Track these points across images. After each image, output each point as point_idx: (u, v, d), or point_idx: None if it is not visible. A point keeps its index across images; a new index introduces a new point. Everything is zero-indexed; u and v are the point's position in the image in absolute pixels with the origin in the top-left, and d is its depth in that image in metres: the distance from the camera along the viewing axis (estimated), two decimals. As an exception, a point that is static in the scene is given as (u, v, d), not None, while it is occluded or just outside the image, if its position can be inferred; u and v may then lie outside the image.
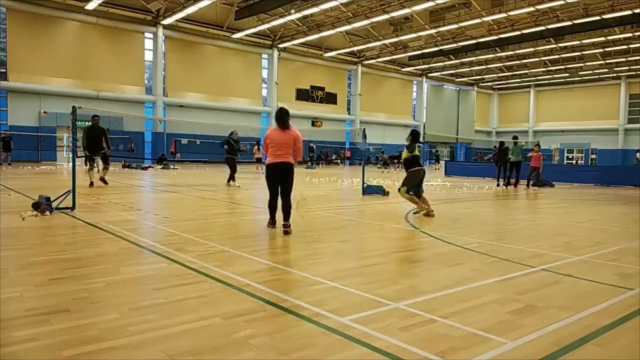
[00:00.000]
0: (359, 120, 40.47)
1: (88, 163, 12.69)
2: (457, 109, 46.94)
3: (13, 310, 3.08)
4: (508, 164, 17.10)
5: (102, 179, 12.38)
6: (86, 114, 10.59)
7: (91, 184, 12.01)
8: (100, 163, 12.75)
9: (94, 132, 12.02)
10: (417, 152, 8.58)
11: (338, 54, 38.27)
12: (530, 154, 17.46)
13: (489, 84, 51.20)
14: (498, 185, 17.24)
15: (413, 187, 8.52)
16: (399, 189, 8.71)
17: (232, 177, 13.89)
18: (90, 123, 12.15)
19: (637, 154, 28.98)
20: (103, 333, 2.74)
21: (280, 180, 6.34)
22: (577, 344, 2.76)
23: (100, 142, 12.11)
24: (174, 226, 6.64)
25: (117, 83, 29.74)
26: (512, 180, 17.21)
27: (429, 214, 8.26)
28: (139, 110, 30.84)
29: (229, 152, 14.01)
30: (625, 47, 34.25)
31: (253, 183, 16.00)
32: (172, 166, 24.68)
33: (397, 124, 45.12)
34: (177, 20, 29.66)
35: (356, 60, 40.65)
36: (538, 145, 18.22)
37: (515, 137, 17.70)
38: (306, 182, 16.59)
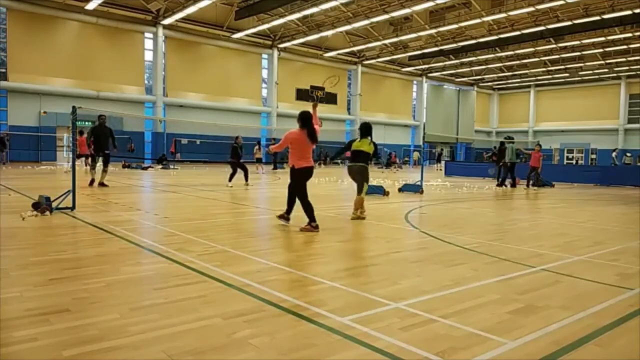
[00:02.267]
0: (359, 120, 40.45)
1: (91, 161, 12.83)
2: (457, 109, 46.87)
3: (13, 310, 3.08)
4: (508, 164, 17.11)
5: (101, 183, 12.32)
6: (86, 114, 10.64)
7: (92, 181, 12.23)
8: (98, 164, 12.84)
9: (101, 131, 12.31)
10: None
11: (338, 54, 38.25)
12: (530, 154, 17.48)
13: (489, 84, 51.20)
14: (498, 185, 17.25)
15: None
16: (363, 189, 7.87)
17: (231, 178, 14.33)
18: (97, 122, 12.43)
19: (613, 153, 28.99)
20: (103, 333, 2.74)
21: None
22: (577, 344, 2.76)
23: (107, 141, 12.39)
24: (174, 226, 6.64)
25: (117, 83, 29.74)
26: (509, 181, 17.20)
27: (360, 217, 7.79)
28: (139, 110, 30.83)
29: (232, 155, 14.53)
30: (625, 47, 34.22)
31: (253, 183, 16.00)
32: (172, 166, 24.68)
33: (397, 124, 45.12)
34: (177, 20, 29.65)
35: (356, 60, 40.65)
36: (539, 145, 18.23)
37: (507, 137, 17.70)
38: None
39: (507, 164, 16.99)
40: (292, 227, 6.68)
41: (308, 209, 6.49)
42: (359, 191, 7.90)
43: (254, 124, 34.74)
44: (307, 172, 6.62)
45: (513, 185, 17.06)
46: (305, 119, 6.58)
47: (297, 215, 6.87)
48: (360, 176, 7.87)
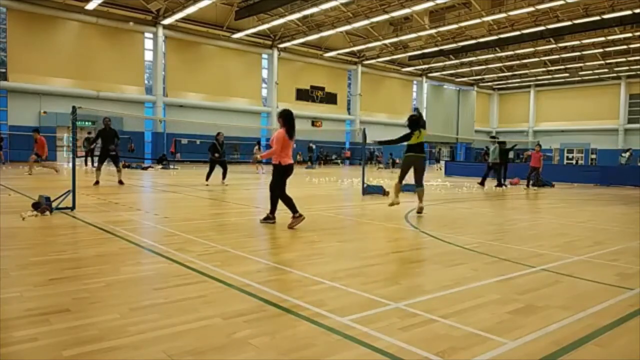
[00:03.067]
0: (359, 120, 40.45)
1: (97, 163, 13.13)
2: (457, 109, 46.91)
3: (13, 310, 3.08)
4: (504, 164, 17.08)
5: (120, 181, 12.91)
6: (86, 114, 10.66)
7: (97, 182, 12.48)
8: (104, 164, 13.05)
9: (107, 134, 12.72)
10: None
11: (338, 54, 38.24)
12: (529, 153, 17.46)
13: (489, 84, 51.18)
14: (497, 185, 17.25)
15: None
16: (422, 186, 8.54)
17: (208, 176, 14.54)
18: (103, 125, 12.90)
19: (626, 153, 28.88)
20: (103, 333, 2.74)
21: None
22: (577, 344, 2.76)
23: (112, 143, 12.78)
24: (174, 226, 6.64)
25: (117, 83, 29.73)
26: (510, 180, 17.16)
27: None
28: (139, 110, 30.82)
29: (212, 152, 14.88)
30: (625, 47, 34.21)
31: (253, 183, 16.01)
32: (172, 166, 24.67)
33: (397, 124, 45.07)
34: (177, 20, 29.64)
35: (356, 60, 40.64)
36: (539, 145, 18.22)
37: (492, 137, 17.65)
38: (306, 182, 16.59)
39: (495, 164, 16.97)
40: (287, 226, 6.68)
41: (289, 203, 6.75)
42: (418, 183, 8.47)
43: (254, 124, 34.74)
44: (292, 169, 6.94)
45: (481, 183, 16.84)
46: (286, 117, 6.85)
47: (285, 215, 6.86)
48: (422, 166, 8.45)
